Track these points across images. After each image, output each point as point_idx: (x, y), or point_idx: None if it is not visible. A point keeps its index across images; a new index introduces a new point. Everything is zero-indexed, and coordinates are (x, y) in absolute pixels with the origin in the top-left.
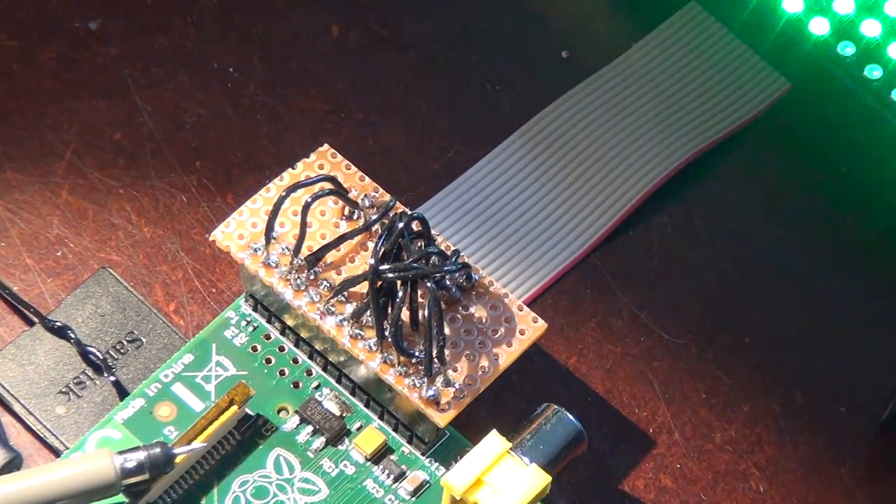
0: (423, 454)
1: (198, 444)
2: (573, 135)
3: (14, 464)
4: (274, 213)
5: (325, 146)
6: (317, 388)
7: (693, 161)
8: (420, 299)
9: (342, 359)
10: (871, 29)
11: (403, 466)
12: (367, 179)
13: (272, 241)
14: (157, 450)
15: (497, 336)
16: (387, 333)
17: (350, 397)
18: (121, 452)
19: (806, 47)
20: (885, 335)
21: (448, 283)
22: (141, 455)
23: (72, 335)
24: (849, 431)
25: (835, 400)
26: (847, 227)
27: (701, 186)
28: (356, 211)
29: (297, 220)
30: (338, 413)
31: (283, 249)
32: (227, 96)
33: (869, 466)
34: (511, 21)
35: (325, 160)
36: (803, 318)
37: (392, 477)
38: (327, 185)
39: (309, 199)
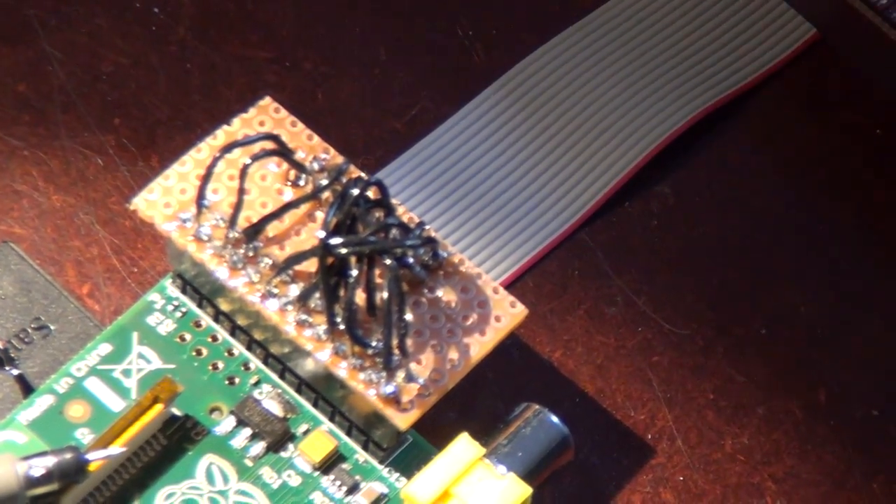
0: (380, 462)
1: (116, 448)
2: (560, 88)
3: None
4: (206, 178)
5: (267, 100)
6: (256, 384)
7: (702, 120)
8: (378, 279)
9: (286, 350)
10: None
11: (357, 477)
12: (317, 139)
13: (204, 210)
14: (68, 455)
15: (468, 323)
16: (339, 319)
17: (295, 395)
18: (25, 458)
19: None
20: None
21: (411, 260)
22: (49, 461)
23: None
24: (881, 438)
25: (865, 401)
26: (883, 199)
27: (711, 150)
28: (303, 175)
29: (233, 186)
30: (280, 414)
31: (216, 220)
32: (151, 42)
33: None
34: None
35: (266, 116)
36: (830, 306)
37: (344, 489)
38: (269, 145)
39: (247, 162)
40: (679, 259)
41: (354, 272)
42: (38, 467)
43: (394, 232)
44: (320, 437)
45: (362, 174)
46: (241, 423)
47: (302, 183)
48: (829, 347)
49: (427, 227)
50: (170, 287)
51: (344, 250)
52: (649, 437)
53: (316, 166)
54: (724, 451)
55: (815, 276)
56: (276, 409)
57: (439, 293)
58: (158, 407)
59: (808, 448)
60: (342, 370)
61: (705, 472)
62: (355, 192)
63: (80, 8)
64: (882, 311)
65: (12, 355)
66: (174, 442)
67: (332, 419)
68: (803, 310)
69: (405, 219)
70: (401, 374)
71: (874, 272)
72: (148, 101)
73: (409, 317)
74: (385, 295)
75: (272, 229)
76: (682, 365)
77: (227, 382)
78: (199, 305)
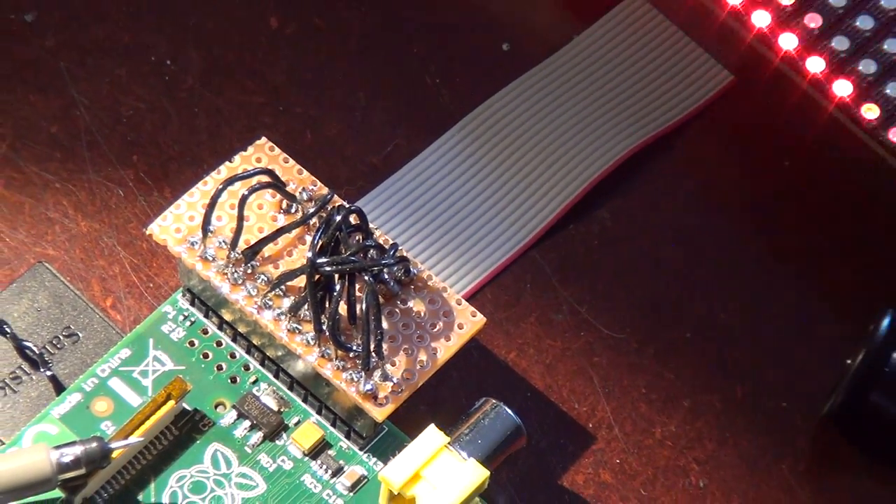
0: (361, 449)
1: (135, 438)
2: (514, 128)
3: None
4: (211, 207)
5: (263, 139)
6: (254, 382)
7: (636, 154)
8: (358, 293)
9: (280, 353)
10: (812, 20)
11: (341, 461)
12: (305, 173)
13: (209, 234)
14: (94, 444)
15: (435, 330)
16: (324, 327)
17: (288, 392)
18: (57, 447)
19: (748, 39)
20: (825, 330)
21: (386, 276)
22: (77, 450)
23: (8, 330)
24: (789, 426)
25: (775, 395)
26: (788, 221)
27: (643, 179)
28: (294, 204)
29: (234, 214)
30: (275, 408)
31: (220, 243)
32: (164, 89)
33: (809, 461)
34: (452, 13)
35: (262, 153)
36: (745, 313)
37: (330, 472)
38: (265, 179)
39: (246, 193)
40: (616, 274)
41: (338, 287)
42: (68, 455)
43: (371, 252)
44: (309, 427)
45: (344, 203)
46: (241, 416)
47: (293, 211)
48: (745, 349)
49: (400, 248)
50: (180, 300)
51: (329, 268)
52: (591, 425)
53: (305, 196)
54: (654, 438)
55: (732, 288)
56: (272, 403)
57: (410, 304)
58: (171, 403)
59: (727, 435)
60: (328, 370)
61: (638, 455)
62: (338, 218)
63: (104, 61)
64: (789, 318)
65: (46, 359)
66: (184, 432)
67: (319, 412)
68: (722, 316)
69: (381, 241)
70: (378, 374)
71: (782, 284)
72: (162, 140)
73: (384, 325)
74: (364, 306)
75: (267, 251)
76: (618, 364)
77: (229, 381)
78: (206, 316)
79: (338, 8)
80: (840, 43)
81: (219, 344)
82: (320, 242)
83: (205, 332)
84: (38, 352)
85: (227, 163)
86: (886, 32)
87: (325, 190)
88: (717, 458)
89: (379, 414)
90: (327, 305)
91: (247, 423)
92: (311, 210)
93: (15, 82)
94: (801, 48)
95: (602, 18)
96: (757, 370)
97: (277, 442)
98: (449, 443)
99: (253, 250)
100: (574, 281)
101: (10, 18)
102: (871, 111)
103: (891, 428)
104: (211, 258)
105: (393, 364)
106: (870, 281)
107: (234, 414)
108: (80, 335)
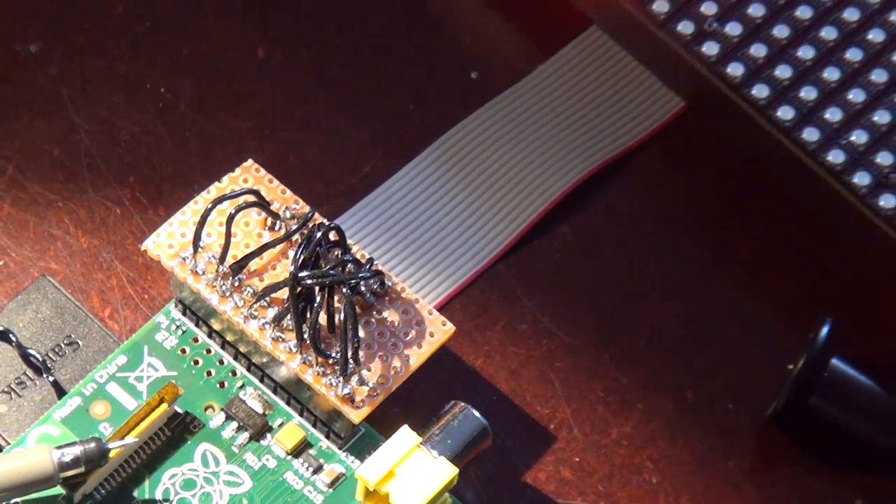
0: (339, 448)
1: (130, 439)
2: (482, 150)
3: None
4: (201, 224)
5: (250, 161)
6: (241, 387)
7: (594, 175)
8: (336, 304)
9: (264, 360)
10: (758, 51)
11: (321, 460)
12: (289, 192)
13: (199, 250)
14: (93, 445)
15: (408, 338)
16: (306, 336)
17: (272, 396)
18: (58, 447)
19: (698, 68)
20: (768, 337)
21: (363, 289)
22: (77, 450)
23: (13, 339)
24: (736, 427)
25: (723, 397)
26: (735, 236)
27: (601, 198)
28: (278, 222)
29: (222, 231)
30: (261, 411)
31: (209, 258)
32: (158, 115)
33: (755, 459)
34: (425, 44)
35: (249, 174)
36: (695, 322)
37: (311, 470)
38: (251, 198)
39: (233, 211)
40: (576, 285)
41: (318, 299)
42: (69, 454)
43: (349, 266)
44: (292, 428)
45: (324, 220)
46: (229, 418)
47: (277, 228)
48: (695, 355)
49: (376, 262)
50: (173, 311)
51: (310, 282)
52: (552, 426)
53: (288, 214)
54: (611, 438)
55: (684, 298)
56: (257, 406)
57: (385, 314)
58: (164, 406)
59: (678, 435)
60: (308, 376)
61: (596, 454)
62: (318, 235)
63: (103, 88)
64: (735, 327)
65: (49, 365)
66: (176, 433)
67: (301, 414)
68: (674, 325)
69: (358, 256)
70: (355, 379)
71: (730, 295)
72: (156, 162)
73: (361, 333)
74: (342, 316)
75: (253, 265)
76: (578, 369)
77: (218, 386)
78: (197, 325)
79: (321, 40)
80: (783, 71)
81: (208, 351)
82: (302, 257)
83: (195, 340)
84: (41, 359)
85: (216, 183)
86: (826, 62)
87: (307, 208)
88: (669, 456)
89: (356, 416)
90: (308, 316)
91: (234, 425)
92: (294, 227)
93: (21, 109)
94: (748, 77)
95: (563, 49)
96: (706, 375)
97: (262, 442)
98: (421, 442)
99: (240, 265)
100: (537, 292)
101: (16, 49)
102: (811, 134)
103: (828, 428)
104: (201, 272)
105: (369, 370)
106: (811, 292)
107: (222, 416)
108: (80, 343)
